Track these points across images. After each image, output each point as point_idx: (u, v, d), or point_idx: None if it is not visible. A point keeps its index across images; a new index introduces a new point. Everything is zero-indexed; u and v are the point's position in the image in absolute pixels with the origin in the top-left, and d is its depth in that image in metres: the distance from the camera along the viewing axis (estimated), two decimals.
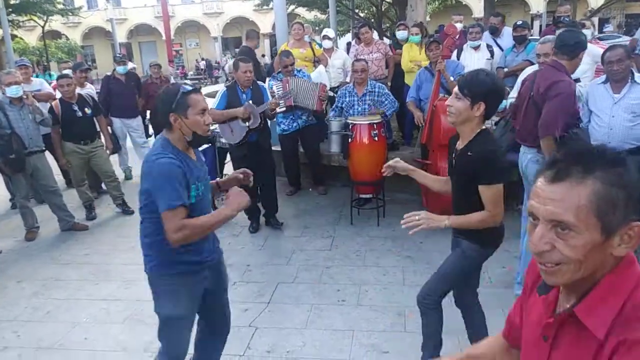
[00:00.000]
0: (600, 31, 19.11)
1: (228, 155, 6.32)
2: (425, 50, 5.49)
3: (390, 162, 2.74)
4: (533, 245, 1.03)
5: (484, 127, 2.39)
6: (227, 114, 4.91)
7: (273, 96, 5.48)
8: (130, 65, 9.61)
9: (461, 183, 2.47)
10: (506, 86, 5.41)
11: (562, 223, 0.99)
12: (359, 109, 5.48)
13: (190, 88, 2.37)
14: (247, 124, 4.93)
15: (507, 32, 6.86)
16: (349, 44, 8.51)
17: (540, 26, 27.33)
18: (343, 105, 5.58)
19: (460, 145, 2.47)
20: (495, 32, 6.60)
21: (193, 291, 2.48)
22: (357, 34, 7.66)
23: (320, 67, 6.60)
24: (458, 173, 2.49)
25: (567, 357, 1.09)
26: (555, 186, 1.00)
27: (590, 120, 3.94)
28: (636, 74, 3.80)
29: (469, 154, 2.38)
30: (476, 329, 2.83)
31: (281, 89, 5.59)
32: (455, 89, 2.36)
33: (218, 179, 2.79)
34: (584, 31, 4.50)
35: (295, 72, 5.85)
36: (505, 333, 1.44)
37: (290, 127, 5.92)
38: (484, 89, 2.27)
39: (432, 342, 2.77)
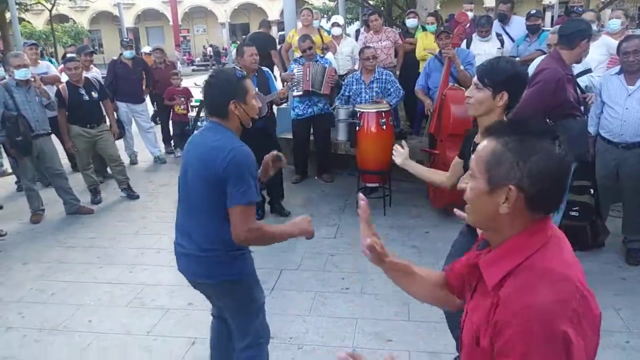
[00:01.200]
0: None
1: None
2: (435, 39, 5.42)
3: (400, 154, 2.64)
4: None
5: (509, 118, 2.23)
6: (263, 100, 4.93)
7: (292, 79, 5.48)
8: (147, 48, 9.58)
9: None
10: None
11: (471, 169, 1.20)
12: (366, 96, 5.43)
13: (242, 73, 2.34)
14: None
15: (516, 20, 6.77)
16: (357, 31, 8.42)
17: (552, 16, 26.95)
18: (350, 94, 5.52)
19: (479, 139, 2.36)
20: (504, 20, 6.51)
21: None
22: (366, 22, 7.58)
23: (329, 54, 6.54)
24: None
25: (475, 306, 1.23)
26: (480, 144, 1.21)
27: (602, 111, 3.88)
28: None
29: None
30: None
31: (301, 72, 5.59)
32: (475, 79, 2.22)
33: None
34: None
35: (318, 57, 5.81)
36: (446, 269, 1.53)
37: (305, 112, 5.90)
38: (505, 77, 2.13)
39: None
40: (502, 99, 2.14)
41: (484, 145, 1.18)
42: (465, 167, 2.44)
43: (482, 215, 1.19)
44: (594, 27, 4.67)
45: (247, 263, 2.36)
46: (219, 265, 2.24)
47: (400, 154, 2.64)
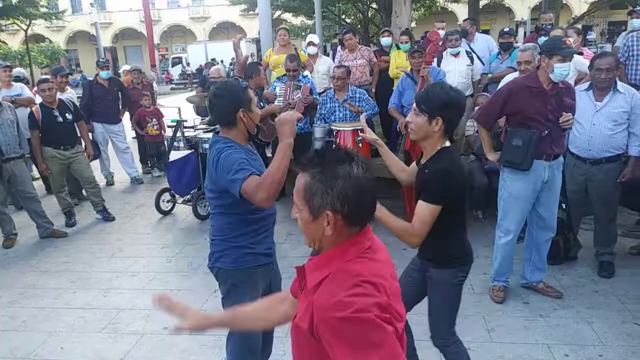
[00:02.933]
0: (584, 39, 19.33)
1: None
2: (408, 58, 5.51)
3: (369, 133, 2.67)
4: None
5: (446, 145, 2.27)
6: (267, 110, 5.19)
7: (273, 99, 5.57)
8: (126, 67, 9.52)
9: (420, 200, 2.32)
10: (488, 94, 5.47)
11: (295, 202, 1.35)
12: (340, 115, 5.48)
13: (245, 83, 2.43)
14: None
15: (481, 37, 6.94)
16: (334, 50, 8.51)
17: (525, 33, 27.65)
18: (325, 112, 5.57)
19: (423, 161, 2.39)
20: (466, 36, 6.65)
21: (260, 285, 2.51)
22: (341, 40, 7.68)
23: (306, 73, 6.59)
24: (417, 190, 2.38)
25: (300, 303, 1.40)
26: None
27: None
28: (619, 83, 3.83)
29: (425, 170, 2.29)
30: None
31: (283, 91, 5.64)
32: (414, 104, 2.29)
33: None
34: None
35: (300, 77, 5.87)
36: (291, 288, 1.65)
37: None
38: (439, 103, 2.19)
39: None
40: (438, 124, 2.21)
41: (298, 179, 1.33)
42: None
43: (314, 237, 1.35)
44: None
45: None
46: None
47: (369, 133, 2.67)
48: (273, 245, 2.58)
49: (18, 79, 6.96)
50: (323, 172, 1.29)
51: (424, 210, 2.20)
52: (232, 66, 30.93)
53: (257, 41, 27.95)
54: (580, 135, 3.92)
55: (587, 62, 4.89)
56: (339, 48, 7.90)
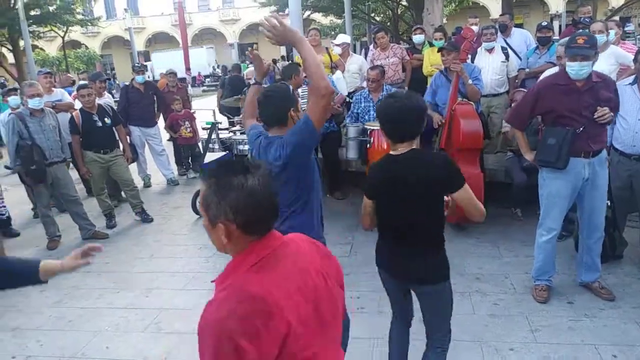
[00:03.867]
0: (622, 31, 18.74)
1: None
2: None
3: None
4: None
5: (390, 152, 2.42)
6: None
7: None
8: (162, 70, 9.70)
9: None
10: (524, 89, 5.35)
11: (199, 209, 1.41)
12: (375, 114, 5.44)
13: (290, 86, 2.64)
14: None
15: (517, 32, 6.78)
16: (367, 48, 8.46)
17: (560, 26, 26.96)
18: (359, 111, 5.55)
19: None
20: (504, 31, 6.51)
21: None
22: (374, 39, 7.64)
23: (338, 73, 6.58)
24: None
25: None
26: None
27: (615, 122, 3.84)
28: None
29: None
30: None
31: (306, 92, 5.65)
32: None
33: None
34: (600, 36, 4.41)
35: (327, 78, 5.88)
36: None
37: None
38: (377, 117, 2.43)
39: None
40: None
41: (201, 189, 1.38)
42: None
43: (219, 245, 1.38)
44: (604, 37, 4.66)
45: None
46: None
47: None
48: None
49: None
50: (218, 183, 1.33)
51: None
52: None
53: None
54: (625, 131, 3.80)
55: (628, 55, 4.75)
56: (371, 46, 7.86)
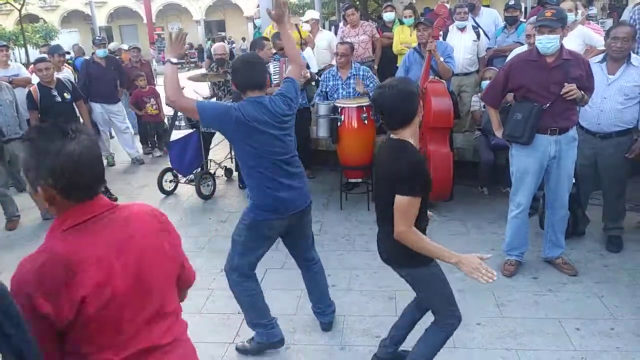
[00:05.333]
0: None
1: (213, 141, 6.24)
2: (415, 30, 5.40)
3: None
4: None
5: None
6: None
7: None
8: (125, 45, 9.42)
9: None
10: (495, 68, 5.39)
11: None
12: (344, 92, 5.40)
13: None
14: None
15: (486, 12, 6.82)
16: (336, 26, 8.34)
17: (526, 8, 27.24)
18: (327, 90, 5.49)
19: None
20: (472, 10, 6.53)
21: None
22: (344, 16, 7.56)
23: (308, 50, 6.49)
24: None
25: None
26: None
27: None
28: (633, 56, 3.76)
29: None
30: None
31: (277, 68, 5.56)
32: None
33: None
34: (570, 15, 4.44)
35: None
36: None
37: None
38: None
39: None
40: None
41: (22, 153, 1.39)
42: None
43: (39, 207, 1.74)
44: (572, 15, 4.71)
45: None
46: None
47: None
48: None
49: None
50: (36, 147, 1.33)
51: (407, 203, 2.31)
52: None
53: (255, 19, 27.51)
54: (590, 109, 3.86)
55: (595, 36, 4.82)
56: (340, 24, 7.77)
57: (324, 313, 3.25)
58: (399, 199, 2.22)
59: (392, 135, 2.40)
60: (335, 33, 7.83)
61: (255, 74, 2.79)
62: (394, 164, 2.28)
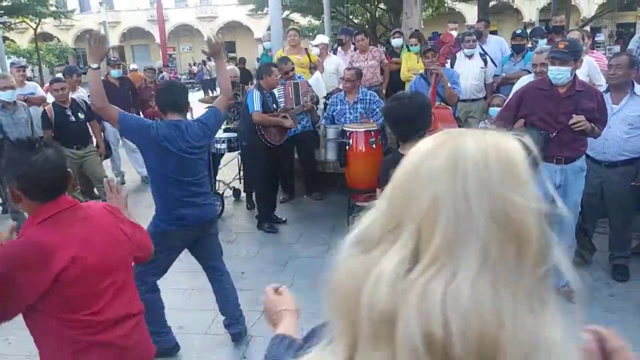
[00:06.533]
0: (592, 41, 19.28)
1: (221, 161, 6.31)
2: (422, 58, 5.51)
3: None
4: None
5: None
6: (278, 122, 5.26)
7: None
8: (134, 65, 9.57)
9: None
10: (502, 95, 5.46)
11: None
12: (351, 117, 5.48)
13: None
14: (288, 124, 5.38)
15: (493, 39, 6.93)
16: (335, 50, 8.41)
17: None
18: (334, 114, 5.57)
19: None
20: (479, 37, 6.63)
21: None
22: (340, 40, 7.71)
23: (317, 74, 6.60)
24: None
25: None
26: None
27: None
28: (636, 86, 3.81)
29: None
30: None
31: (282, 92, 5.66)
32: None
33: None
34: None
35: (297, 77, 5.90)
36: None
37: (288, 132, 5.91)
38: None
39: None
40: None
41: None
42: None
43: (13, 206, 1.84)
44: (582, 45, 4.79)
45: None
46: None
47: None
48: None
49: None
50: (9, 157, 1.68)
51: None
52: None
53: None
54: (596, 138, 3.89)
55: (598, 74, 4.88)
56: (339, 48, 7.89)
57: (233, 325, 3.39)
58: None
59: (402, 151, 2.41)
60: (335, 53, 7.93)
61: (174, 97, 3.04)
62: None
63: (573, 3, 28.69)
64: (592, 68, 4.83)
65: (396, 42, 7.20)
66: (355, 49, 7.17)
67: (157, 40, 35.14)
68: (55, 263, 1.62)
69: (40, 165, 1.63)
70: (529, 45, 6.45)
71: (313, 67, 6.75)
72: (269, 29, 8.12)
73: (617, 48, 17.11)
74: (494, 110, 4.96)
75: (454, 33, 7.40)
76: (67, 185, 1.74)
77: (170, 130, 2.93)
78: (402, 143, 2.42)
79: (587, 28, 15.26)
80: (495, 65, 6.35)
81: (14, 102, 5.21)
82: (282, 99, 5.72)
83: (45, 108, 5.70)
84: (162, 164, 2.96)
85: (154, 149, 2.94)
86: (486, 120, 5.50)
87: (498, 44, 6.89)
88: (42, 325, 1.71)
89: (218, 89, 4.83)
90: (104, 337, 1.77)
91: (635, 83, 3.83)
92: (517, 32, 6.21)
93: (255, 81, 5.29)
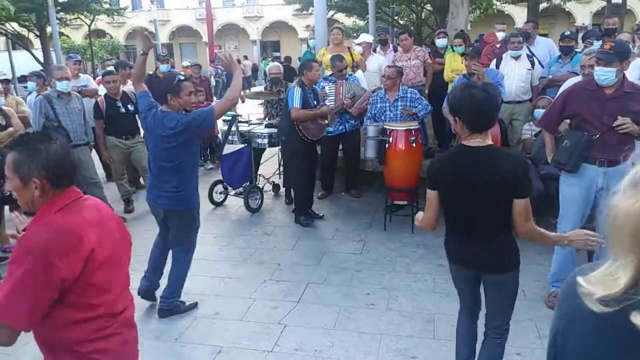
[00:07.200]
0: None
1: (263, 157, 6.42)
2: (463, 61, 5.47)
3: None
4: None
5: (465, 142, 2.37)
6: (316, 113, 5.32)
7: (324, 97, 5.65)
8: (185, 62, 9.87)
9: None
10: (548, 97, 5.34)
11: (7, 175, 1.75)
12: (391, 114, 5.49)
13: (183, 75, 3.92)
14: (326, 121, 5.44)
15: (541, 41, 6.77)
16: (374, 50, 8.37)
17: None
18: (375, 112, 5.59)
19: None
20: (527, 39, 6.49)
21: None
22: (381, 40, 7.72)
23: (359, 72, 6.63)
24: None
25: None
26: None
27: None
28: None
29: None
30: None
31: (333, 90, 5.73)
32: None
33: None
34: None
35: (347, 76, 5.96)
36: None
37: (335, 129, 5.98)
38: (452, 105, 2.39)
39: None
40: (457, 123, 2.37)
41: (7, 157, 1.73)
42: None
43: (27, 200, 1.75)
44: (630, 48, 4.64)
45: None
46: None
47: None
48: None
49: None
50: (28, 148, 1.71)
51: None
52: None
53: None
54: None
55: None
56: (378, 48, 7.88)
57: (169, 299, 3.75)
58: (521, 202, 2.26)
59: (469, 143, 2.34)
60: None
61: (159, 91, 3.58)
62: (506, 167, 2.27)
63: (628, 7, 27.61)
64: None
65: (440, 42, 7.14)
66: (394, 50, 7.15)
67: (205, 39, 35.92)
68: (86, 246, 1.69)
69: (61, 153, 1.74)
70: (581, 47, 6.28)
71: (355, 66, 6.78)
72: (307, 26, 8.19)
73: None
74: (539, 112, 4.87)
75: (501, 34, 7.29)
76: (76, 174, 1.85)
77: (156, 118, 3.50)
78: (470, 134, 2.32)
79: None
80: (543, 67, 6.21)
81: (69, 92, 5.46)
82: (333, 97, 5.80)
83: (98, 99, 5.96)
84: (148, 143, 3.76)
85: (146, 130, 3.72)
86: (531, 122, 5.40)
87: (546, 46, 6.73)
88: (53, 323, 1.72)
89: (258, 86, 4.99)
90: (113, 332, 1.83)
91: None
92: (566, 33, 6.05)
93: (297, 78, 5.37)
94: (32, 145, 1.72)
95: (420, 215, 2.56)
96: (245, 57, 28.55)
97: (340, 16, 26.13)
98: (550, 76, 5.91)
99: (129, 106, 5.92)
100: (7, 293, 1.59)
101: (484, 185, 2.29)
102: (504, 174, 2.27)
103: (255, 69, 31.09)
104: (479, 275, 2.54)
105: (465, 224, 2.44)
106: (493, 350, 2.63)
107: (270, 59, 30.50)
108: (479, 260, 2.47)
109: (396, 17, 21.49)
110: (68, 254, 1.64)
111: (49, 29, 19.03)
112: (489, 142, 2.36)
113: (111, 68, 6.95)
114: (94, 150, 6.21)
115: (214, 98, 9.27)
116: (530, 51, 6.34)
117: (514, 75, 5.92)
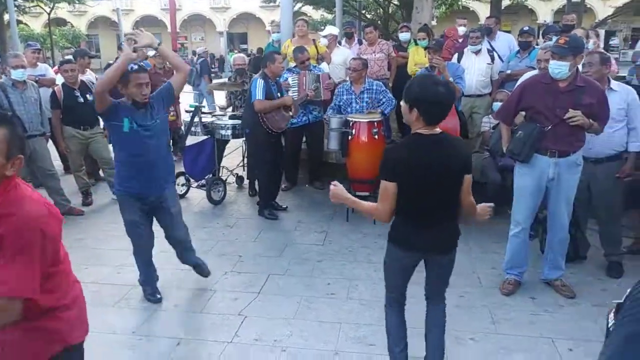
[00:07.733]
0: (607, 44, 19.19)
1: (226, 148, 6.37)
2: (427, 55, 5.54)
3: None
4: None
5: (419, 131, 2.44)
6: (278, 103, 5.27)
7: (287, 88, 5.63)
8: (151, 52, 9.65)
9: None
10: (507, 90, 5.47)
11: None
12: (357, 107, 5.52)
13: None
14: (289, 113, 5.39)
15: (502, 36, 6.92)
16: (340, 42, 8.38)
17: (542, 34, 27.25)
18: (341, 104, 5.62)
19: None
20: (489, 34, 6.62)
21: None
22: (347, 34, 7.74)
23: (324, 64, 6.64)
24: None
25: None
26: None
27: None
28: (612, 82, 3.88)
29: None
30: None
31: (296, 81, 5.71)
32: None
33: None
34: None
35: (312, 67, 5.95)
36: None
37: (299, 120, 5.97)
38: (411, 97, 2.42)
39: None
40: (413, 113, 2.41)
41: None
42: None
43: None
44: (590, 45, 4.80)
45: None
46: None
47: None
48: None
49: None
50: (18, 128, 1.80)
51: (380, 188, 2.50)
52: None
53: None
54: (598, 134, 3.91)
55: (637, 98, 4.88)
56: (343, 41, 7.90)
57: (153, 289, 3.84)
58: (469, 176, 2.54)
59: (425, 132, 2.41)
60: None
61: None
62: (464, 150, 2.56)
63: (588, 5, 28.45)
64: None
65: (403, 36, 7.22)
66: (359, 43, 7.19)
67: (170, 29, 35.23)
68: (58, 227, 1.85)
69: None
70: (541, 42, 6.45)
71: (320, 58, 6.78)
72: (272, 22, 8.15)
73: (631, 52, 16.96)
74: (497, 105, 4.98)
75: (463, 29, 7.41)
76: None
77: (127, 110, 3.52)
78: (427, 125, 2.40)
79: (603, 31, 15.15)
80: (502, 61, 6.35)
81: (24, 81, 5.29)
82: (296, 87, 5.79)
83: (55, 88, 5.79)
84: (119, 136, 3.65)
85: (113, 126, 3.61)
86: (490, 115, 5.52)
87: (507, 41, 6.87)
88: None
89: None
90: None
91: (610, 79, 3.89)
92: (524, 29, 6.20)
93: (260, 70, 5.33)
94: (18, 127, 1.84)
95: (337, 186, 2.72)
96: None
97: (308, 9, 26.06)
98: (509, 70, 6.05)
99: (87, 96, 5.76)
100: (19, 270, 1.66)
101: (448, 170, 2.43)
102: (463, 156, 2.49)
103: (222, 60, 30.75)
104: (422, 259, 2.64)
105: (422, 210, 2.48)
106: (442, 310, 2.78)
107: (237, 50, 30.14)
108: (433, 243, 2.55)
109: (363, 11, 21.58)
110: (53, 220, 1.79)
111: (6, 17, 18.38)
112: (439, 130, 2.46)
113: (70, 57, 6.75)
114: (50, 141, 6.05)
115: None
116: (491, 46, 6.47)
117: (474, 69, 6.04)
